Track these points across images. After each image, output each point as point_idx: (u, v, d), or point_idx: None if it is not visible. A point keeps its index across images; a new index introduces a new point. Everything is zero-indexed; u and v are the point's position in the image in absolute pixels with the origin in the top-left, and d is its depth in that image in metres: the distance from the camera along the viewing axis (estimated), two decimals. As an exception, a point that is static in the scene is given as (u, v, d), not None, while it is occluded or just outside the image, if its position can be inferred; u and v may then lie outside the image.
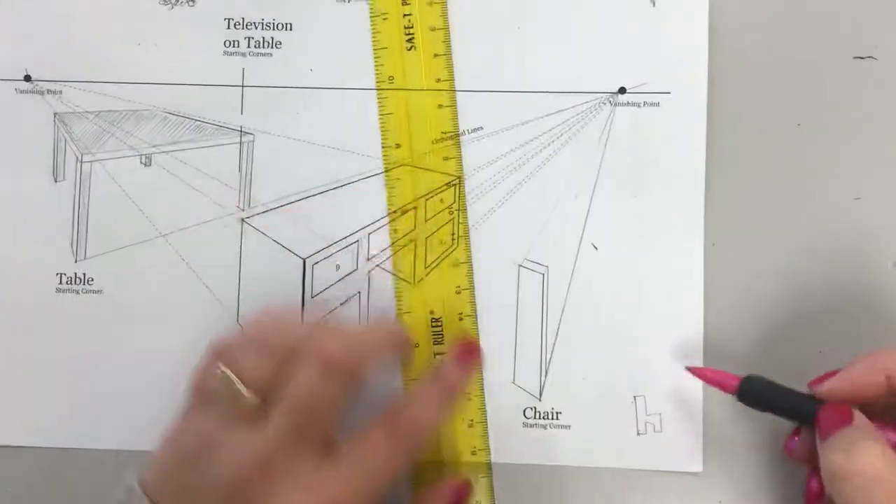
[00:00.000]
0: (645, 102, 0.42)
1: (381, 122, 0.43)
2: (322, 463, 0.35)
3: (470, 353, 0.40)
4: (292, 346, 0.36)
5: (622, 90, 0.42)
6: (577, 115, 0.43)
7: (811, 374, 0.40)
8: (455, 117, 0.43)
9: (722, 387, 0.38)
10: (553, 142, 0.43)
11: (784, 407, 0.37)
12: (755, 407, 0.37)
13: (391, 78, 0.43)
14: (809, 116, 0.42)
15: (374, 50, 0.43)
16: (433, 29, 0.43)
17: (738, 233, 0.42)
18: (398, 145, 0.43)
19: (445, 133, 0.42)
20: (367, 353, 0.37)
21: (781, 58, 0.43)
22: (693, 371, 0.39)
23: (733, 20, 0.43)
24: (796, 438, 0.37)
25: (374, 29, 0.43)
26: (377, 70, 0.43)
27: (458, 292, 0.42)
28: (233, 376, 0.35)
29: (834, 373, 0.36)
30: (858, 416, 0.34)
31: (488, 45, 0.43)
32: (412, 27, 0.43)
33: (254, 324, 0.38)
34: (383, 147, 0.43)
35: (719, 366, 0.41)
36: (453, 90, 0.43)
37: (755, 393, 0.37)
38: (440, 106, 0.42)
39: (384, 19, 0.43)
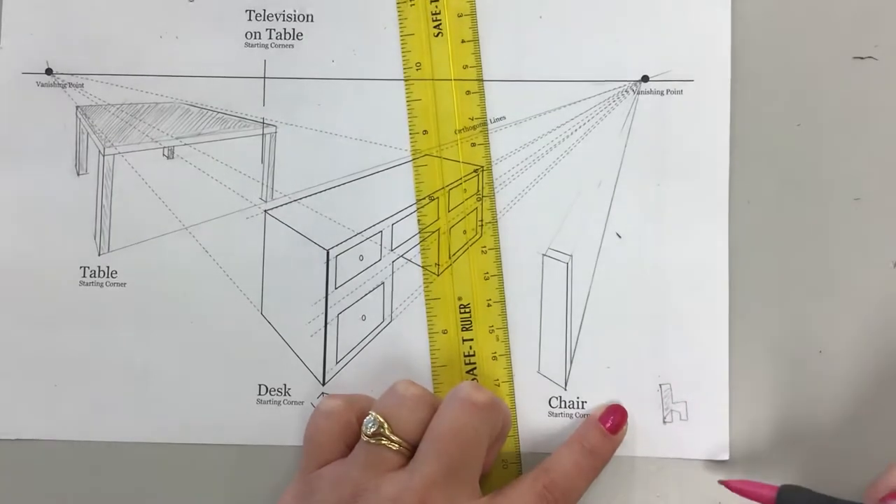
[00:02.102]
0: (668, 90, 0.42)
1: (409, 109, 0.43)
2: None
3: (621, 425, 0.40)
4: (435, 398, 0.38)
5: (645, 78, 0.43)
6: (600, 103, 0.43)
7: (811, 374, 0.41)
8: (483, 104, 0.43)
9: (758, 500, 0.37)
10: (576, 131, 0.43)
11: None
12: None
13: (418, 64, 0.43)
14: (809, 116, 0.42)
15: (402, 36, 0.43)
16: (460, 15, 0.43)
17: (761, 221, 0.42)
18: (426, 132, 0.43)
19: (473, 119, 0.43)
20: (505, 409, 0.38)
21: (781, 57, 0.43)
22: (728, 485, 0.38)
23: (758, 7, 0.43)
24: None
25: (401, 15, 0.43)
26: (404, 57, 0.43)
27: (487, 278, 0.42)
28: (384, 421, 0.36)
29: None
30: None
31: (510, 35, 0.43)
32: (439, 13, 0.43)
33: (397, 386, 0.38)
34: (411, 134, 0.43)
35: (743, 350, 0.41)
36: (481, 77, 0.43)
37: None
38: (468, 92, 0.43)
39: (411, 5, 0.43)
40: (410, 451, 0.36)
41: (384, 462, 0.36)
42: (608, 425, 0.40)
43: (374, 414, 0.36)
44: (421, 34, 0.43)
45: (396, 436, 0.36)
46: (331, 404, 0.38)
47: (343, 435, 0.38)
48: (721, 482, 0.38)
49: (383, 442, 0.36)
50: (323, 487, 0.36)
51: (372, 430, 0.36)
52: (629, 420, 0.41)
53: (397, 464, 0.36)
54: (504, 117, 0.43)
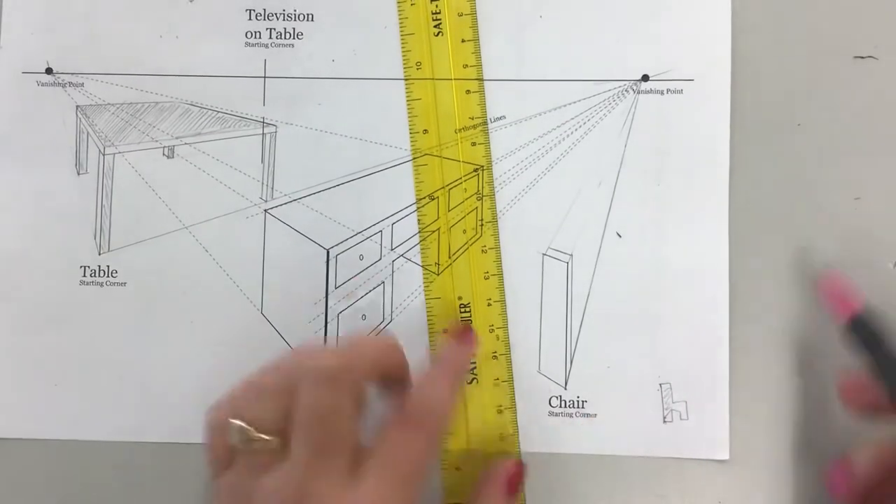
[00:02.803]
0: (668, 90, 0.42)
1: (409, 108, 0.43)
2: (356, 472, 0.34)
3: (465, 333, 0.41)
4: (289, 379, 0.35)
5: (645, 78, 0.43)
6: (600, 103, 0.43)
7: (811, 374, 0.41)
8: (483, 103, 0.43)
9: (838, 308, 0.37)
10: (576, 130, 0.43)
11: (886, 359, 0.35)
12: (858, 344, 0.36)
13: (419, 64, 0.43)
14: (809, 116, 0.42)
15: (402, 36, 0.43)
16: (461, 14, 0.43)
17: (761, 221, 0.42)
18: (426, 131, 0.43)
19: (474, 118, 0.43)
20: (361, 357, 0.36)
21: (781, 57, 0.43)
22: (821, 282, 0.38)
23: (758, 7, 0.43)
24: (839, 473, 0.36)
25: (401, 14, 0.43)
26: (404, 56, 0.43)
27: (487, 278, 0.42)
28: (246, 426, 0.35)
29: None
30: None
31: (510, 34, 0.43)
32: (440, 13, 0.43)
33: (250, 376, 0.37)
34: (411, 133, 0.43)
35: (743, 350, 0.41)
36: (481, 77, 0.43)
37: (867, 330, 0.36)
38: (468, 92, 0.43)
39: (412, 5, 0.43)
40: (285, 438, 0.34)
41: (261, 462, 0.34)
42: (458, 337, 0.41)
43: (232, 422, 0.35)
44: (421, 33, 0.43)
45: (262, 433, 0.34)
46: (207, 418, 0.36)
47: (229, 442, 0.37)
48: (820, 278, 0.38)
49: (255, 444, 0.34)
50: (220, 498, 0.35)
51: (237, 438, 0.35)
52: (629, 420, 0.41)
53: (276, 457, 0.34)
54: (504, 117, 0.43)
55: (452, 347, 0.40)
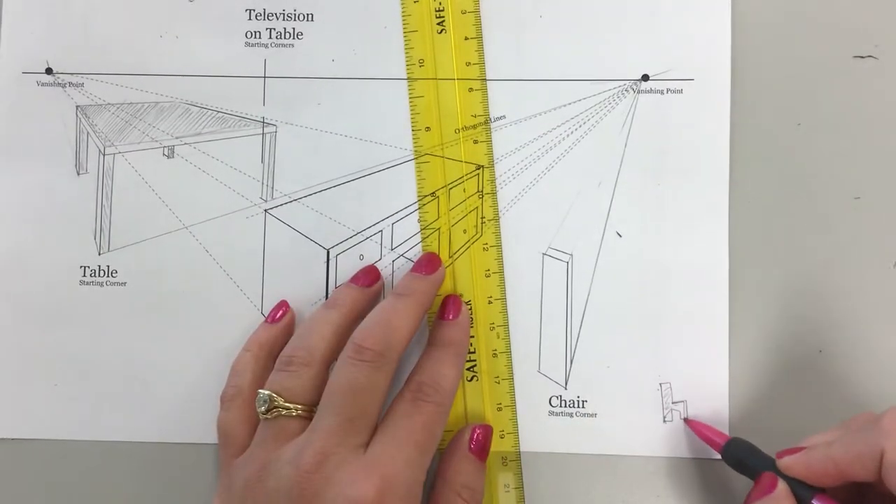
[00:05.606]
0: (668, 89, 0.42)
1: (411, 106, 0.43)
2: (373, 446, 0.36)
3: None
4: (320, 352, 0.38)
5: (645, 77, 0.43)
6: (600, 102, 0.43)
7: (811, 374, 0.41)
8: (485, 101, 0.43)
9: (709, 443, 0.40)
10: (576, 130, 0.43)
11: (754, 472, 0.37)
12: (735, 468, 0.38)
13: (421, 61, 0.43)
14: (809, 116, 0.42)
15: (405, 33, 0.43)
16: (464, 12, 0.43)
17: (761, 221, 0.42)
18: (428, 128, 0.43)
19: (476, 116, 0.43)
20: (402, 341, 0.38)
21: (781, 57, 0.43)
22: (689, 423, 0.41)
23: (758, 7, 0.43)
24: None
25: (404, 12, 0.43)
26: (407, 53, 0.43)
27: (488, 276, 0.42)
28: (274, 395, 0.37)
29: (797, 449, 0.36)
30: (780, 489, 0.35)
31: (510, 34, 0.43)
32: (443, 10, 0.43)
33: (281, 354, 0.39)
34: (413, 131, 0.43)
35: (743, 350, 0.41)
36: (484, 75, 0.43)
37: (735, 456, 0.38)
38: (470, 90, 0.43)
39: (415, 2, 0.43)
40: (311, 411, 0.37)
41: (285, 431, 0.37)
42: (451, 317, 0.40)
43: (262, 392, 0.37)
44: (424, 31, 0.43)
45: (291, 402, 0.37)
46: (227, 393, 0.40)
47: (249, 419, 0.39)
48: (685, 420, 0.41)
49: (283, 413, 0.37)
50: (237, 474, 0.37)
51: (264, 407, 0.37)
52: (629, 420, 0.41)
53: (300, 428, 0.37)
54: (504, 116, 0.43)
55: (450, 327, 0.40)
